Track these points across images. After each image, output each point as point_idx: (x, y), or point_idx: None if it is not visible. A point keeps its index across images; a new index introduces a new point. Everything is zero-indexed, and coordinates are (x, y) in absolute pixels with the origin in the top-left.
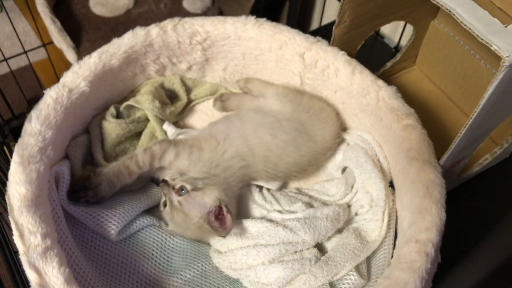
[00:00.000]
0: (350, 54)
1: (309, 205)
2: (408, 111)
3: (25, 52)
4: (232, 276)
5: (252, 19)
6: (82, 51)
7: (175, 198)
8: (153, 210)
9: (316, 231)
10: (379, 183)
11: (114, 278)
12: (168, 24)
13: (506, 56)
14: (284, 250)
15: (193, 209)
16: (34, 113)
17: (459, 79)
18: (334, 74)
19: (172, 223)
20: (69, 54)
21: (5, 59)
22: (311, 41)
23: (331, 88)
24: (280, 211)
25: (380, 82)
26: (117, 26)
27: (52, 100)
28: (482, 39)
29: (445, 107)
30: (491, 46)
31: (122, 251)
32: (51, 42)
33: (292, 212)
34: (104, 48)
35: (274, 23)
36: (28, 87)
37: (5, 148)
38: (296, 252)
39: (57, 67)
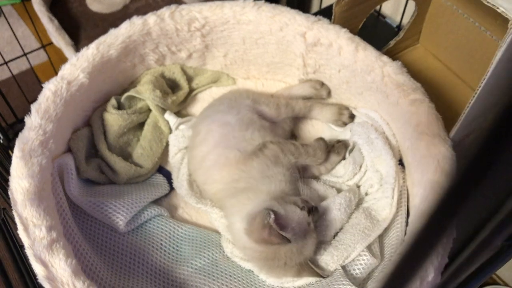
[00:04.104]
0: (351, 33)
1: (316, 193)
2: (415, 85)
3: (25, 54)
4: (245, 267)
5: (250, 2)
6: (81, 49)
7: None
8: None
9: (332, 228)
10: (390, 160)
11: (123, 269)
12: (165, 12)
13: None
14: None
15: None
16: (33, 107)
17: (465, 53)
18: (337, 52)
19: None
20: (68, 52)
21: (5, 62)
22: (312, 20)
23: (335, 67)
24: None
25: (385, 58)
26: (115, 22)
27: (51, 93)
28: (488, 2)
29: (451, 84)
30: (498, 8)
31: (131, 242)
32: (51, 43)
33: None
34: (102, 39)
35: (273, 5)
36: (30, 90)
37: (10, 152)
38: None
39: (58, 68)
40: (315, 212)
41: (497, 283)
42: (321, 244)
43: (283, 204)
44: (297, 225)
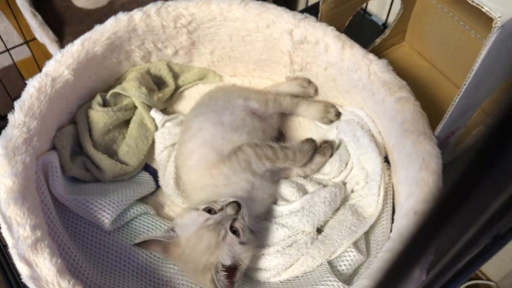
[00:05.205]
0: (338, 31)
1: (302, 189)
2: (400, 84)
3: (8, 50)
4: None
5: None
6: (65, 45)
7: (226, 230)
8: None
9: (315, 219)
10: (376, 158)
11: (109, 267)
12: (151, 8)
13: (498, 17)
14: (283, 244)
15: (222, 251)
16: (17, 104)
17: (450, 51)
18: (324, 50)
19: (188, 232)
20: (52, 48)
21: None
22: (299, 18)
23: (321, 65)
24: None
25: (371, 56)
26: (100, 18)
27: (35, 90)
28: (473, 1)
29: (436, 82)
30: (482, 7)
31: (117, 240)
32: (34, 39)
33: (288, 201)
34: (87, 35)
35: (260, 2)
36: (13, 86)
37: None
38: (290, 237)
39: (41, 64)
40: (230, 207)
41: (480, 278)
42: (307, 235)
43: (186, 214)
44: (188, 226)
